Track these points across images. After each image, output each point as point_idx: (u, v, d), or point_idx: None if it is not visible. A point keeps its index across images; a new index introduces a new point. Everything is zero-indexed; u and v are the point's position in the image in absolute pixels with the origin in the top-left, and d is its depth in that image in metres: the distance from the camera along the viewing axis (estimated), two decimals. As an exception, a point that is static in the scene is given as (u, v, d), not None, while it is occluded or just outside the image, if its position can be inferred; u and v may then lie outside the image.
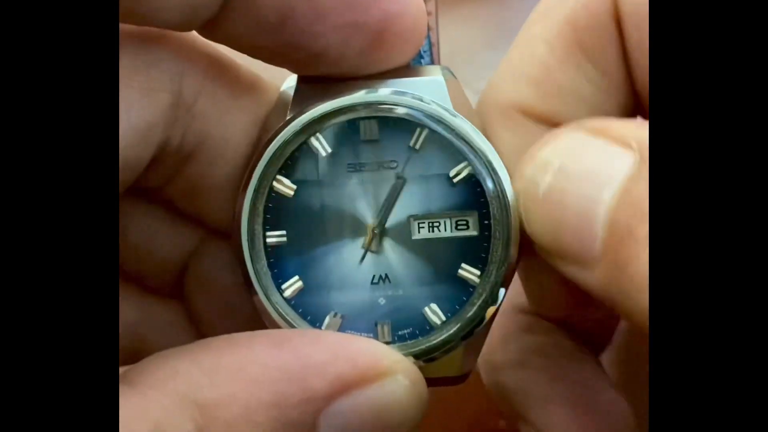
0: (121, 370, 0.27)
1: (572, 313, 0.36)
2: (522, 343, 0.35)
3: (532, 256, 0.32)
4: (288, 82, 0.33)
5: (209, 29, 0.31)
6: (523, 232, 0.32)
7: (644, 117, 0.36)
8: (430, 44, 0.34)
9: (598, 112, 0.34)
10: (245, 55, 0.32)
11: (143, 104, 0.31)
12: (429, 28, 0.33)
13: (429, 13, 0.33)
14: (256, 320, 0.33)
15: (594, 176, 0.28)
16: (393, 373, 0.29)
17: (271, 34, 0.30)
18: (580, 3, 0.33)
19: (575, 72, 0.33)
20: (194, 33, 0.32)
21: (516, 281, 0.35)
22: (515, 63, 0.34)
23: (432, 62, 0.34)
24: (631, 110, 0.35)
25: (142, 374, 0.27)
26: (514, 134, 0.33)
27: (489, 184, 0.33)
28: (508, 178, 0.32)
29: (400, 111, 0.33)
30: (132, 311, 0.36)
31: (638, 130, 0.28)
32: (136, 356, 0.29)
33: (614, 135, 0.28)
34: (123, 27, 0.30)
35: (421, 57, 0.34)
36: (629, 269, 0.26)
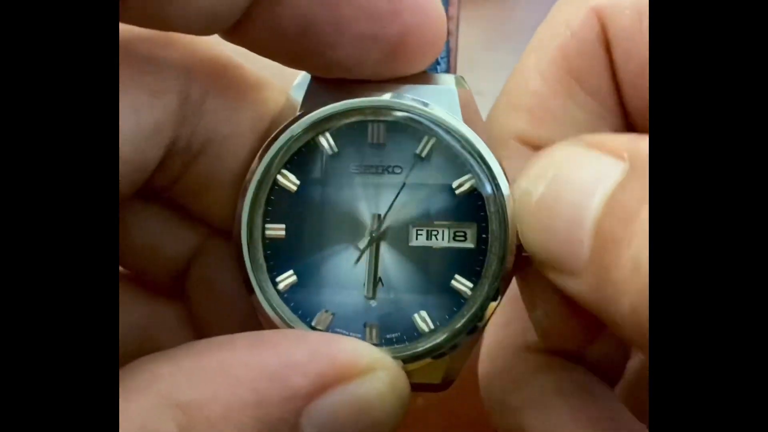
0: None
1: (581, 344, 0.36)
2: (537, 383, 0.35)
3: (530, 276, 0.32)
4: (300, 78, 0.33)
5: (230, 34, 0.31)
6: (519, 248, 0.32)
7: None
8: (449, 50, 0.34)
9: None
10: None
11: (152, 105, 0.31)
12: (449, 33, 0.33)
13: (450, 18, 0.33)
14: (256, 323, 0.33)
15: (584, 185, 0.28)
16: (373, 370, 0.30)
17: (291, 42, 0.31)
18: (570, 31, 0.35)
19: (567, 99, 0.35)
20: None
21: (519, 315, 0.36)
22: (511, 94, 0.35)
23: (448, 69, 0.34)
24: (624, 132, 0.36)
25: (125, 378, 0.27)
26: (512, 162, 0.34)
27: (490, 199, 0.33)
28: (510, 194, 0.32)
29: (407, 116, 0.33)
30: (139, 313, 0.36)
31: (631, 142, 0.28)
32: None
33: (607, 147, 0.29)
34: (131, 30, 0.30)
35: (438, 63, 0.34)
36: (612, 275, 0.26)
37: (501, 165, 0.33)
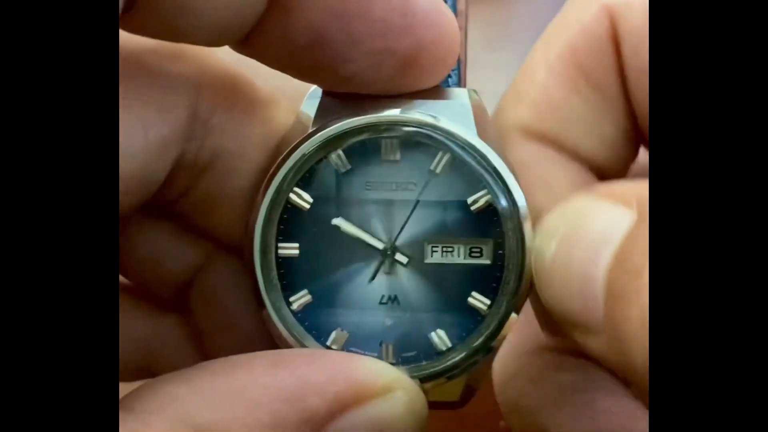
0: (120, 395, 0.27)
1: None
2: (554, 383, 0.35)
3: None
4: (311, 93, 0.33)
5: (241, 45, 0.31)
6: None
7: (642, 139, 0.36)
8: (459, 63, 0.33)
9: (595, 133, 0.35)
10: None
11: (160, 121, 0.30)
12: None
13: (459, 28, 0.32)
14: (261, 337, 0.33)
15: (595, 238, 0.28)
16: (391, 390, 0.29)
17: (302, 55, 0.30)
18: (580, 26, 0.35)
19: (573, 94, 0.34)
20: (211, 49, 0.32)
21: (532, 317, 0.35)
22: (518, 86, 0.35)
23: (459, 82, 0.33)
24: (629, 132, 0.36)
25: (141, 400, 0.27)
26: (513, 154, 0.34)
27: (507, 215, 0.32)
28: (527, 210, 0.32)
29: (421, 132, 0.32)
30: (142, 327, 0.35)
31: (640, 188, 0.28)
32: (145, 372, 0.28)
33: (617, 195, 0.28)
34: (140, 43, 0.30)
35: (449, 77, 0.33)
36: (625, 330, 0.26)
37: (516, 179, 0.32)
